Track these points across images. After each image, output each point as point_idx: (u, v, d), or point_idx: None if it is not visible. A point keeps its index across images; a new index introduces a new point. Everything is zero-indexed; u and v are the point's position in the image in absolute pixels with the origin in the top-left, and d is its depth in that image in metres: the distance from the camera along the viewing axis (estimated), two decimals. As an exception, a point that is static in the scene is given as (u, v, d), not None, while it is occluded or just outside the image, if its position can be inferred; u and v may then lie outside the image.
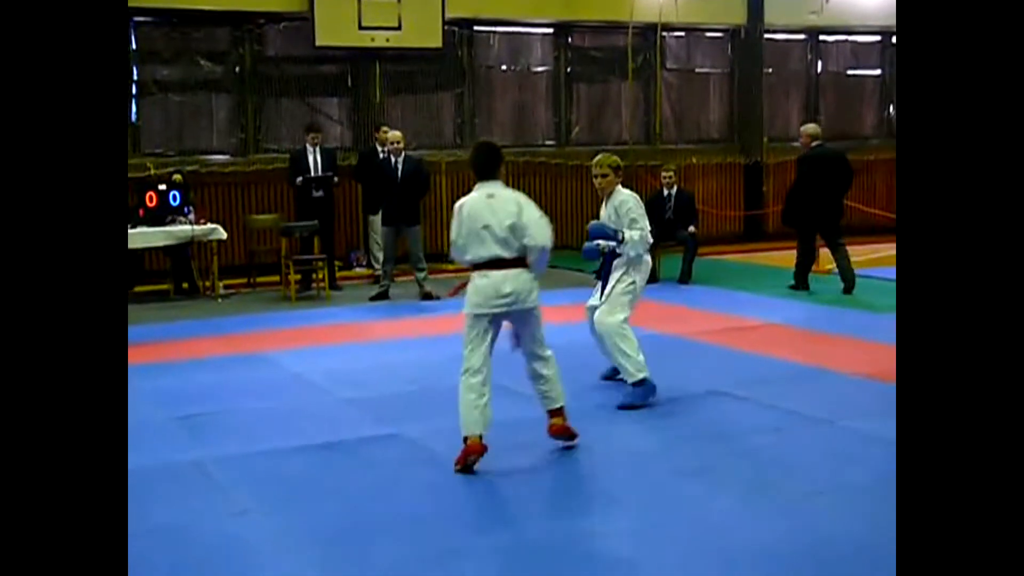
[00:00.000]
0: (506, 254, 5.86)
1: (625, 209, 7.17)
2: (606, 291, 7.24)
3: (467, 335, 6.00)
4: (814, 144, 12.27)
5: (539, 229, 5.88)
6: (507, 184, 6.13)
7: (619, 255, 7.20)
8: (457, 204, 6.03)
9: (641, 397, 7.03)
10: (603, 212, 7.35)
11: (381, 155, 13.17)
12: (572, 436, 6.18)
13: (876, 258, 14.73)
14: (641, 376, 7.01)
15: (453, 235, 5.99)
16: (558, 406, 6.12)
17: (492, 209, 5.87)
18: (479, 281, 5.92)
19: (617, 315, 7.13)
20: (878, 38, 18.94)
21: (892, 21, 18.12)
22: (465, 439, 5.82)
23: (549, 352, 6.15)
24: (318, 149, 13.31)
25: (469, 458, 5.75)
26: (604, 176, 7.28)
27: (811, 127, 12.60)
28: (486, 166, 6.04)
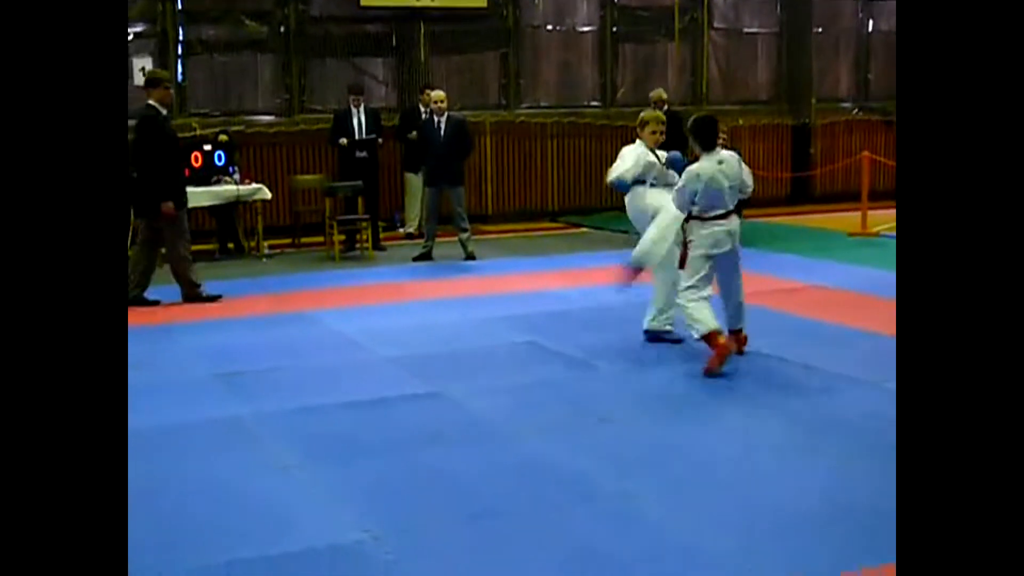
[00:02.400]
0: (731, 206, 7.07)
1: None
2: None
3: (698, 270, 7.02)
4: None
5: (751, 179, 7.28)
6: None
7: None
8: (694, 170, 6.98)
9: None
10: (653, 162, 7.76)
11: (424, 115, 13.13)
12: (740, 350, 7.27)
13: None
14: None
15: (693, 192, 6.97)
16: (740, 326, 7.32)
17: (724, 174, 6.97)
18: (714, 228, 6.99)
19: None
20: (931, -3, 18.53)
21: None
22: (712, 337, 6.83)
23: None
24: (362, 110, 13.28)
25: (725, 353, 6.82)
26: (663, 133, 7.88)
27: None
28: (711, 138, 7.04)
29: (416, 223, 14.31)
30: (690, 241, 7.09)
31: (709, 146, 7.03)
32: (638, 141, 7.85)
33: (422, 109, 13.59)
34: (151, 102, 9.44)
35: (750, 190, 7.32)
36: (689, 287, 7.04)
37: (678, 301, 7.12)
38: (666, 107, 12.77)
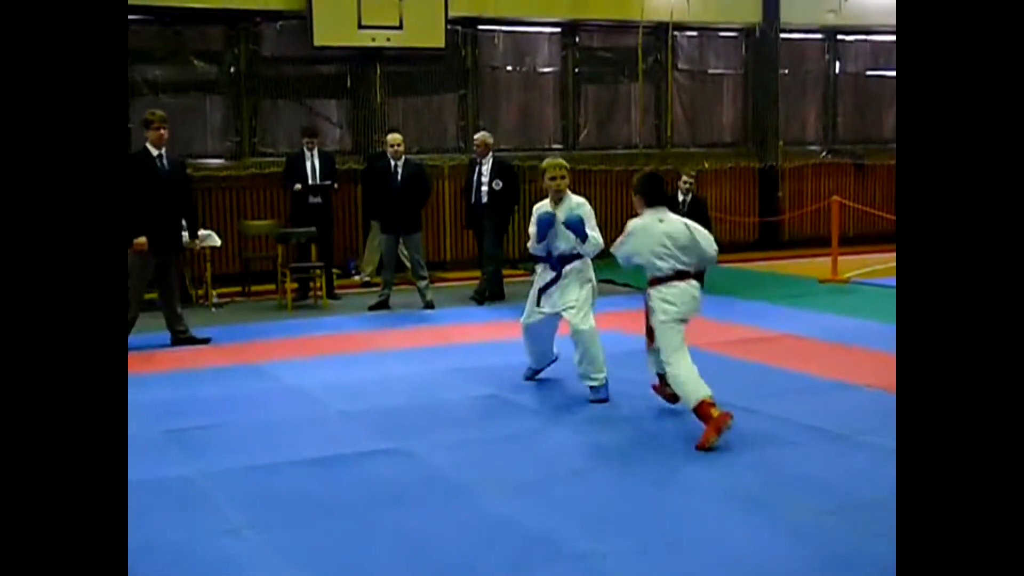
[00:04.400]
0: (682, 267, 6.65)
1: (586, 212, 7.49)
2: (575, 298, 7.46)
3: (671, 342, 6.59)
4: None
5: (711, 246, 6.79)
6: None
7: (578, 256, 7.53)
8: (637, 224, 6.67)
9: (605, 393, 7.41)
10: (547, 210, 7.57)
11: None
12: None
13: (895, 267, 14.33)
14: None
15: (628, 253, 6.69)
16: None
17: (667, 233, 6.60)
18: (680, 288, 6.61)
19: (592, 320, 7.46)
20: (897, 38, 18.42)
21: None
22: (704, 409, 6.25)
23: None
24: (316, 153, 12.87)
25: (724, 425, 6.20)
26: (563, 178, 7.59)
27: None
28: (656, 194, 6.77)
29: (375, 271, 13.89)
30: (654, 308, 6.67)
31: (653, 202, 6.72)
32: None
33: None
34: (147, 144, 9.75)
35: (711, 256, 6.84)
36: (676, 351, 6.59)
37: (668, 371, 6.61)
38: (490, 154, 12.40)
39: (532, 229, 7.57)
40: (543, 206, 7.61)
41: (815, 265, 14.35)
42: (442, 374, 8.39)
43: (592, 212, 7.54)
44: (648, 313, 6.75)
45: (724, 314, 11.06)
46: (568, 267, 7.54)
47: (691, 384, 6.39)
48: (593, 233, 7.38)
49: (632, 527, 4.96)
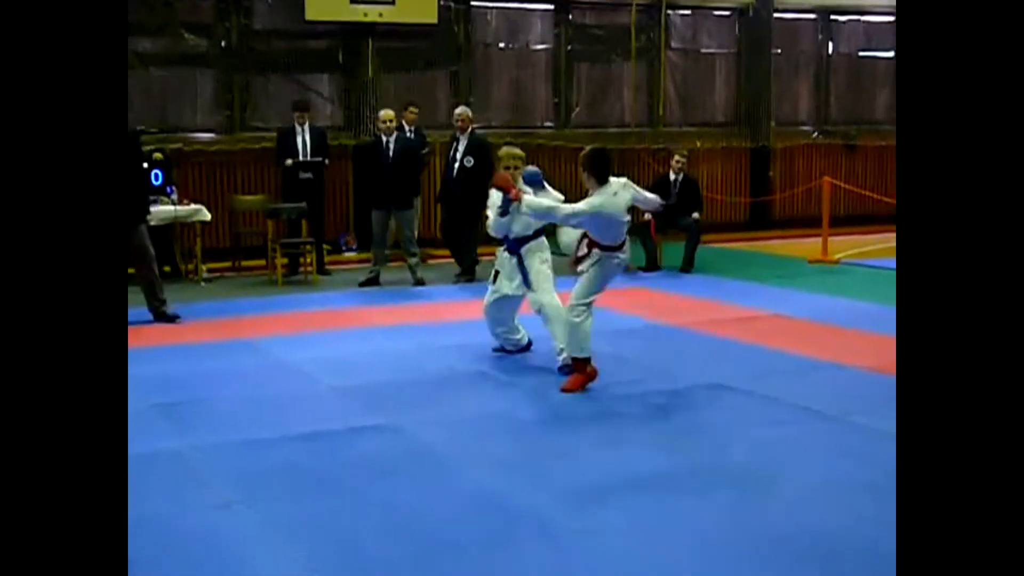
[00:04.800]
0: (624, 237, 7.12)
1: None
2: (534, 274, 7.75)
3: (595, 288, 7.08)
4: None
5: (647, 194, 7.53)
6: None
7: (537, 236, 7.84)
8: (595, 204, 6.89)
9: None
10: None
11: (409, 134, 12.76)
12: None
13: (889, 248, 14.37)
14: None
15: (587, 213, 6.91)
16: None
17: (617, 206, 6.99)
18: (618, 258, 7.10)
19: (552, 296, 7.71)
20: (892, 18, 18.36)
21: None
22: (582, 361, 6.99)
23: None
24: (307, 128, 12.80)
25: (590, 380, 6.97)
26: (517, 168, 7.80)
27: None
28: (604, 171, 7.04)
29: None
30: (587, 257, 7.07)
31: (603, 179, 6.98)
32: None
33: (406, 127, 13.14)
34: None
35: (656, 204, 7.63)
36: (581, 305, 7.03)
37: (568, 317, 7.08)
38: (470, 128, 12.28)
39: (491, 212, 7.74)
40: (497, 195, 7.71)
41: (805, 245, 14.33)
42: (432, 351, 8.36)
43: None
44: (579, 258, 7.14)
45: (714, 294, 11.12)
46: (524, 248, 7.76)
47: (586, 338, 6.98)
48: (550, 189, 7.77)
49: (619, 504, 4.95)
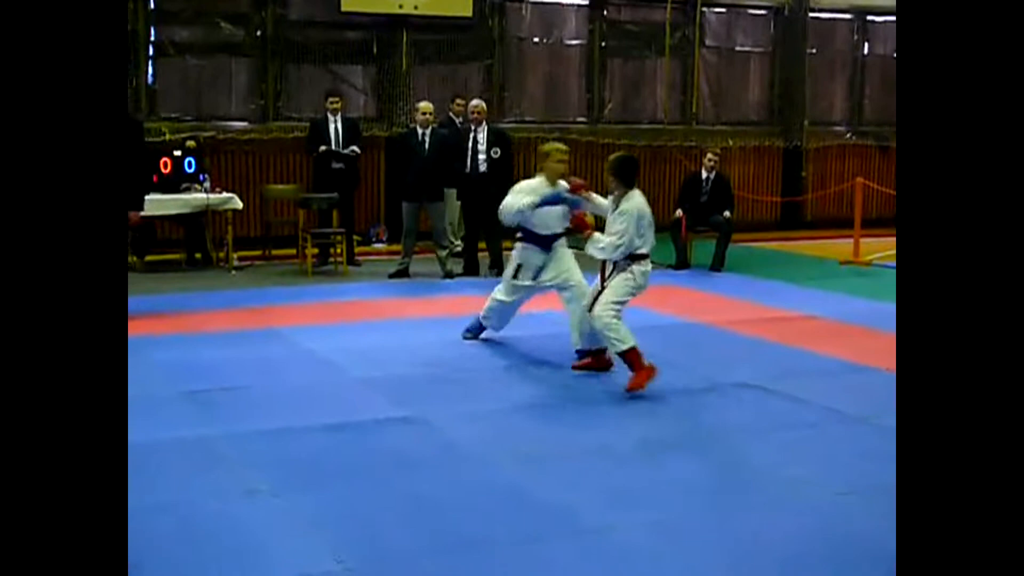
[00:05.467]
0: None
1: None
2: (569, 271, 7.93)
3: (624, 297, 7.03)
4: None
5: None
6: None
7: (563, 235, 8.04)
8: (636, 208, 6.97)
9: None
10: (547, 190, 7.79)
11: (461, 126, 12.71)
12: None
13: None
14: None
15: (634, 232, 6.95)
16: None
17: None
18: (646, 268, 7.09)
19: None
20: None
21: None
22: (633, 354, 6.85)
23: None
24: (339, 118, 12.79)
25: (651, 373, 6.85)
26: (563, 162, 7.91)
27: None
28: (632, 176, 7.12)
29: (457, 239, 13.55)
30: (621, 272, 7.07)
31: (631, 184, 7.07)
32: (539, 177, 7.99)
33: (455, 120, 13.21)
34: None
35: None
36: (614, 303, 6.98)
37: (597, 312, 7.01)
38: (484, 122, 12.09)
39: (525, 200, 7.72)
40: (535, 185, 7.84)
41: (837, 247, 14.25)
42: (460, 344, 8.38)
43: None
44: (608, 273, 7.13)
45: (744, 293, 11.07)
46: (555, 243, 7.93)
47: (621, 332, 6.94)
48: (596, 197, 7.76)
49: (648, 503, 4.96)
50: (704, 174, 13.03)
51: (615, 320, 6.94)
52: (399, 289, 11.31)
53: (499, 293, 8.18)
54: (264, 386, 7.06)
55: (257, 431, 6.03)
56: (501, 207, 7.87)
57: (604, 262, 7.13)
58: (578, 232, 7.38)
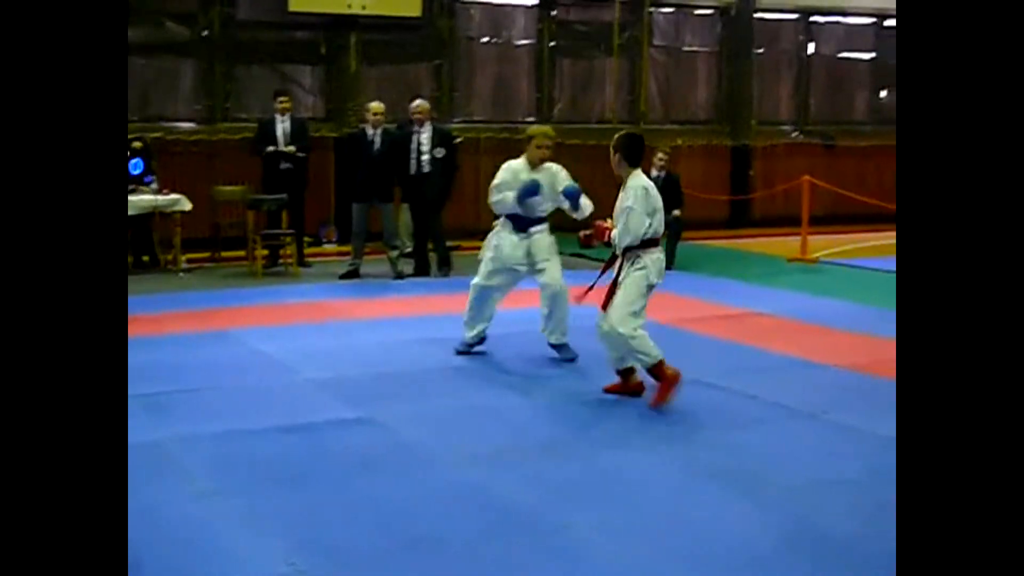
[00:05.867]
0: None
1: (563, 176, 7.78)
2: (547, 255, 7.78)
3: (640, 302, 6.58)
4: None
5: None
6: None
7: (544, 220, 7.91)
8: (641, 185, 6.55)
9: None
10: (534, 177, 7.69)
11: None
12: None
13: (868, 247, 14.46)
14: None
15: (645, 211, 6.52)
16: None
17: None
18: (658, 255, 6.66)
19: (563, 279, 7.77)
20: (871, 20, 18.49)
21: (886, 3, 17.75)
22: (660, 368, 6.46)
23: None
24: (288, 118, 12.69)
25: (676, 382, 6.51)
26: (551, 148, 7.79)
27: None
28: (639, 154, 6.69)
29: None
30: (633, 267, 6.60)
31: (636, 163, 6.66)
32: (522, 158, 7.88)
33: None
34: None
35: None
36: (633, 314, 6.56)
37: (620, 330, 6.51)
38: (428, 121, 12.08)
39: (503, 190, 7.68)
40: (517, 167, 7.74)
41: (785, 244, 14.34)
42: (412, 344, 8.35)
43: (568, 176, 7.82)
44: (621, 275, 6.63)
45: (693, 291, 11.11)
46: (535, 227, 7.80)
47: (646, 345, 6.51)
48: (584, 199, 7.65)
49: (600, 501, 4.97)
50: (654, 173, 13.05)
51: (639, 333, 6.51)
52: (350, 290, 11.27)
53: (477, 278, 7.98)
54: (215, 389, 7.01)
55: (208, 434, 5.99)
56: (491, 200, 7.83)
57: (613, 257, 6.71)
58: (588, 246, 7.16)
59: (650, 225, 6.54)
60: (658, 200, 6.62)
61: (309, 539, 4.50)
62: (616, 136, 6.77)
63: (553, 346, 7.75)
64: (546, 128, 8.07)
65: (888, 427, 6.06)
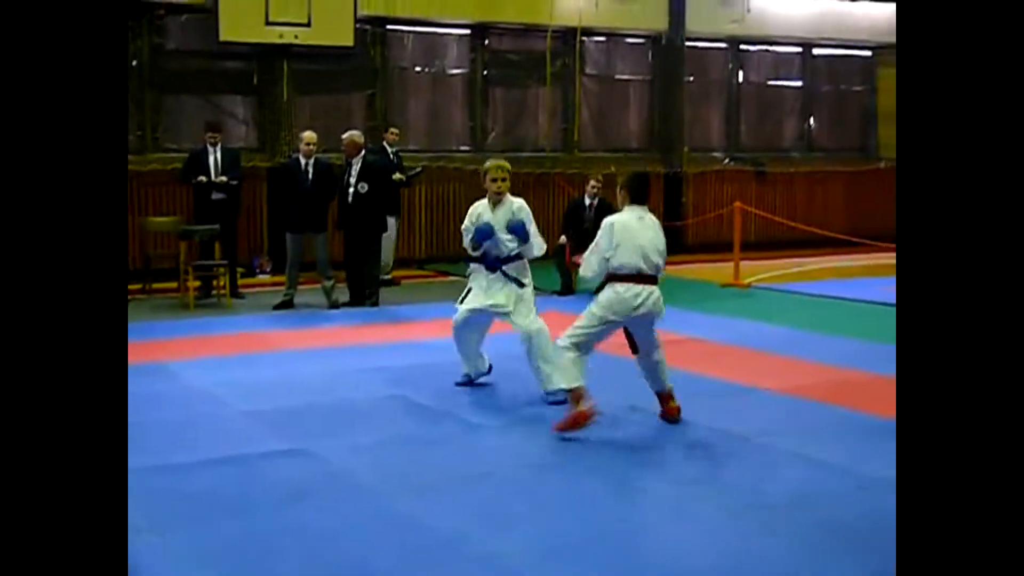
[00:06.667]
0: (650, 270, 6.60)
1: (525, 214, 7.53)
2: (520, 298, 7.46)
3: (588, 326, 6.61)
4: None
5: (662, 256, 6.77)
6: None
7: (519, 258, 7.58)
8: (614, 220, 6.63)
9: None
10: (494, 217, 7.52)
11: (393, 155, 12.86)
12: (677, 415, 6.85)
13: (799, 272, 14.64)
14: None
15: (604, 247, 6.56)
16: (668, 387, 6.85)
17: (643, 232, 6.64)
18: (621, 291, 6.52)
19: (539, 320, 7.43)
20: (799, 49, 18.82)
21: (813, 32, 18.09)
22: (577, 394, 6.47)
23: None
24: (219, 148, 12.60)
25: (584, 420, 6.43)
26: (505, 180, 7.57)
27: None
28: (642, 192, 6.79)
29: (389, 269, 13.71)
30: (598, 297, 6.71)
31: (638, 200, 6.72)
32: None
33: (388, 149, 13.37)
34: None
35: (661, 267, 6.79)
36: (574, 331, 6.64)
37: (558, 342, 6.70)
38: (362, 153, 12.03)
39: (468, 234, 7.54)
40: (480, 208, 7.59)
41: (717, 270, 14.47)
42: (346, 374, 8.31)
43: (531, 213, 7.58)
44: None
45: (628, 317, 11.14)
46: (507, 267, 7.51)
47: (573, 367, 6.53)
48: (536, 238, 7.51)
49: (536, 528, 4.95)
50: (587, 200, 13.16)
51: (567, 351, 6.58)
52: (284, 321, 11.18)
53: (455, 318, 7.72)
54: (146, 422, 6.84)
55: (140, 468, 5.78)
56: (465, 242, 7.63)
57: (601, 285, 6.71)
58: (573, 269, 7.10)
59: (615, 259, 6.53)
60: (631, 233, 6.55)
61: (243, 572, 4.45)
62: (626, 174, 6.95)
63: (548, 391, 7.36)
64: (500, 161, 7.74)
65: (820, 450, 6.16)
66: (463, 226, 7.67)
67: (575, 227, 12.95)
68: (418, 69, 15.94)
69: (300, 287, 12.10)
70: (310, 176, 11.82)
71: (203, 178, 12.38)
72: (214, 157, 12.52)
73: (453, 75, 16.21)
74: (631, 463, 6.05)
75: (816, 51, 18.92)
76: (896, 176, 3.08)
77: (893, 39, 17.93)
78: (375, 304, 11.88)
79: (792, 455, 6.08)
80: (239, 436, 6.60)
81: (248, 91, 14.78)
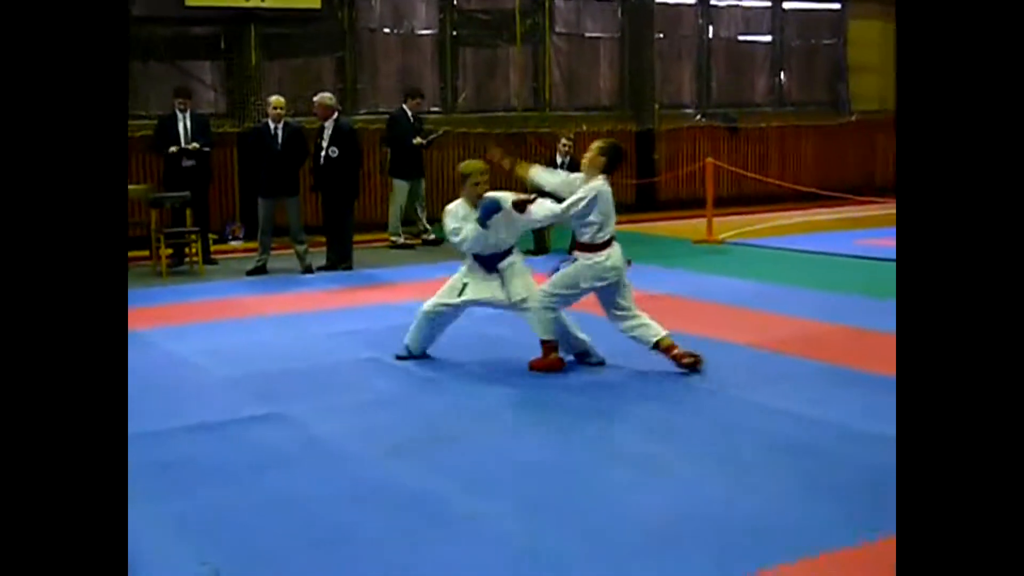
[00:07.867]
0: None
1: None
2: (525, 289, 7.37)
3: (562, 288, 7.07)
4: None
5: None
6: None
7: (508, 252, 7.50)
8: (598, 188, 6.96)
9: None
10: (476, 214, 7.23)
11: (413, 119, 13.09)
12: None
13: (771, 227, 14.72)
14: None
15: (581, 212, 6.93)
16: (662, 335, 7.03)
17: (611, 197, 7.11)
18: (601, 259, 6.98)
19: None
20: (768, 3, 18.78)
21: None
22: (550, 345, 7.08)
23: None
24: (188, 115, 12.53)
25: (554, 368, 7.02)
26: (487, 182, 7.49)
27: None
28: (618, 166, 7.27)
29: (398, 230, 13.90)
30: (576, 263, 7.06)
31: (609, 170, 7.12)
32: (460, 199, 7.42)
33: (407, 113, 13.67)
34: None
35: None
36: (553, 295, 7.06)
37: (533, 298, 7.14)
38: (335, 115, 12.13)
39: (459, 235, 7.23)
40: (462, 211, 7.30)
41: (690, 226, 14.56)
42: (321, 338, 8.31)
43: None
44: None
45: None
46: (503, 263, 7.35)
47: (549, 322, 7.07)
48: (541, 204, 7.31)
49: (514, 488, 4.97)
50: (559, 159, 13.13)
51: (547, 311, 7.07)
52: (258, 286, 11.17)
53: (425, 305, 7.50)
54: (122, 390, 6.91)
55: (115, 436, 5.90)
56: (455, 242, 7.33)
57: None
58: (521, 209, 7.10)
59: (599, 228, 6.96)
60: (609, 204, 7.02)
61: (222, 539, 4.44)
62: (607, 141, 7.29)
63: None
64: (477, 163, 7.49)
65: (787, 402, 6.21)
66: (451, 228, 7.30)
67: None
68: (386, 30, 15.81)
69: (274, 252, 12.09)
70: (280, 141, 11.78)
71: (174, 148, 12.32)
72: (184, 124, 12.45)
73: (422, 36, 16.10)
74: (601, 421, 6.09)
75: (786, 5, 18.89)
76: (896, 133, 3.03)
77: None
78: (349, 268, 11.89)
79: (770, 409, 6.12)
80: (216, 402, 6.59)
81: (216, 56, 14.66)
